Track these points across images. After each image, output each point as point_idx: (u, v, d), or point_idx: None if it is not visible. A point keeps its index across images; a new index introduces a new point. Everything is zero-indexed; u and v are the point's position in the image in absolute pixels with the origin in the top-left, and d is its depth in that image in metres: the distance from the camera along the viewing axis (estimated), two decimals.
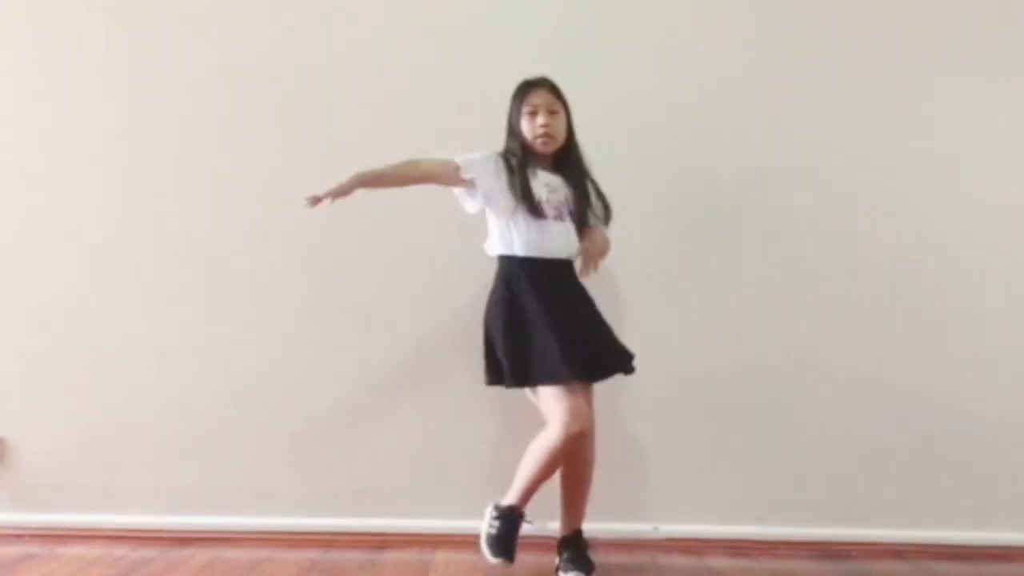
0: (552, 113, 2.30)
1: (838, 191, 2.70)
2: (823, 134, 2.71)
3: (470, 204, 2.35)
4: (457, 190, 2.34)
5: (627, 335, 2.64)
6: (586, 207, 2.35)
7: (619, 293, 2.67)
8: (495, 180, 2.29)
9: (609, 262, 2.65)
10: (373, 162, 2.65)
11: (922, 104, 2.71)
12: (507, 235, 2.30)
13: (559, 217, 2.30)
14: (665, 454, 2.65)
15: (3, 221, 2.70)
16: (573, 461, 2.26)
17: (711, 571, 2.41)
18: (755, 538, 2.61)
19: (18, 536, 2.58)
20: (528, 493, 2.25)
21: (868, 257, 2.69)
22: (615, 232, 2.65)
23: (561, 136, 2.34)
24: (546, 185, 2.30)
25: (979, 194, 2.70)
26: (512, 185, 2.28)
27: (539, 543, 2.38)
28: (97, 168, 2.70)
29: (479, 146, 2.36)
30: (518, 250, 2.28)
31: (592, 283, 2.60)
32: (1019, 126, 2.72)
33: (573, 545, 2.30)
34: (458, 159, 2.29)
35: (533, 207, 2.26)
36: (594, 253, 2.34)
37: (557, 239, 2.30)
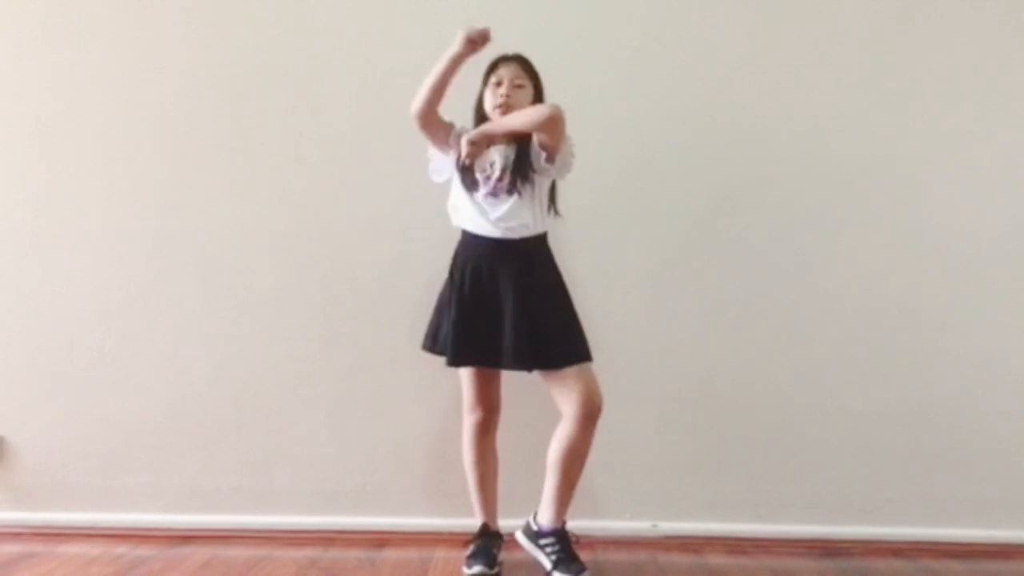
0: (517, 87, 2.27)
1: (839, 192, 2.70)
2: (824, 136, 2.70)
3: (439, 174, 2.36)
4: (434, 152, 2.34)
5: (627, 335, 2.65)
6: (523, 174, 2.25)
7: (619, 293, 2.67)
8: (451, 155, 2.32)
9: (610, 263, 2.66)
10: (374, 163, 2.67)
11: (922, 110, 2.71)
12: (456, 207, 2.34)
13: (493, 193, 2.26)
14: (664, 452, 2.65)
15: (3, 221, 2.70)
16: (479, 452, 2.37)
17: (710, 569, 2.41)
18: (754, 536, 2.62)
19: (18, 534, 2.58)
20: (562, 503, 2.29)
21: (868, 257, 2.69)
22: (615, 233, 2.66)
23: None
24: (492, 163, 2.27)
25: (979, 196, 2.70)
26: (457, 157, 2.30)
27: None
28: (97, 169, 2.70)
29: None
30: (460, 223, 2.32)
31: (593, 283, 2.61)
32: (1019, 130, 2.72)
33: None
34: (457, 126, 2.33)
35: (466, 179, 2.28)
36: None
37: (482, 214, 2.26)
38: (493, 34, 2.17)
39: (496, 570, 2.31)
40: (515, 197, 2.25)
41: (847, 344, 2.68)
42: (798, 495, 2.65)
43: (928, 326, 2.69)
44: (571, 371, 2.22)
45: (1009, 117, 2.71)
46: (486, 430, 2.38)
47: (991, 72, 2.71)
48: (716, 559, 2.48)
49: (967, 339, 2.68)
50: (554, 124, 2.18)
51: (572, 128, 2.26)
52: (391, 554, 2.47)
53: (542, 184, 2.29)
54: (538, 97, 2.32)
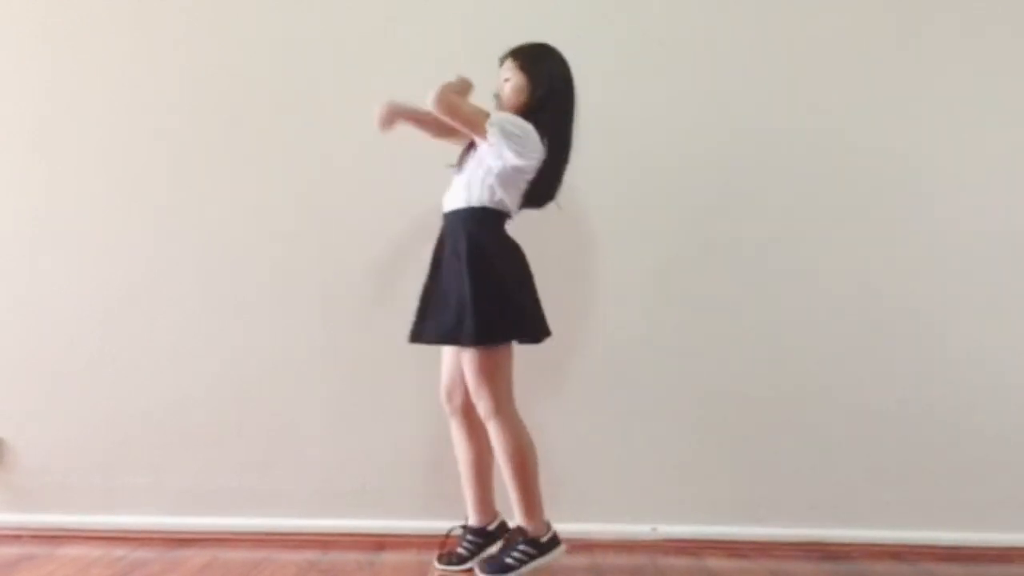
0: (505, 82, 2.28)
1: (840, 194, 2.69)
2: (826, 138, 2.70)
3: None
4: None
5: (627, 336, 2.65)
6: (471, 148, 2.29)
7: (620, 295, 2.67)
8: None
9: (611, 264, 2.65)
10: (375, 163, 2.66)
11: (923, 113, 2.70)
12: None
13: (458, 171, 2.31)
14: (664, 455, 2.65)
15: (4, 221, 2.70)
16: (456, 443, 2.38)
17: (709, 572, 2.41)
18: (753, 539, 2.62)
19: (17, 537, 2.58)
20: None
21: (868, 259, 2.69)
22: (614, 235, 2.66)
23: (510, 103, 2.27)
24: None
25: (980, 196, 2.69)
26: None
27: None
28: (97, 169, 2.70)
29: None
30: None
31: (594, 283, 2.61)
32: (1020, 130, 2.71)
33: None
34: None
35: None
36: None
37: (450, 193, 2.31)
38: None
39: (459, 567, 2.33)
40: (460, 172, 2.29)
41: (846, 346, 2.68)
42: (797, 498, 2.65)
43: (928, 328, 2.68)
44: (463, 355, 2.23)
45: (1011, 117, 2.70)
46: (457, 423, 2.37)
47: (992, 74, 2.70)
48: (715, 562, 2.48)
49: (967, 342, 2.68)
50: (442, 109, 2.17)
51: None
52: (390, 556, 2.47)
53: (486, 162, 2.22)
54: (532, 81, 2.25)
